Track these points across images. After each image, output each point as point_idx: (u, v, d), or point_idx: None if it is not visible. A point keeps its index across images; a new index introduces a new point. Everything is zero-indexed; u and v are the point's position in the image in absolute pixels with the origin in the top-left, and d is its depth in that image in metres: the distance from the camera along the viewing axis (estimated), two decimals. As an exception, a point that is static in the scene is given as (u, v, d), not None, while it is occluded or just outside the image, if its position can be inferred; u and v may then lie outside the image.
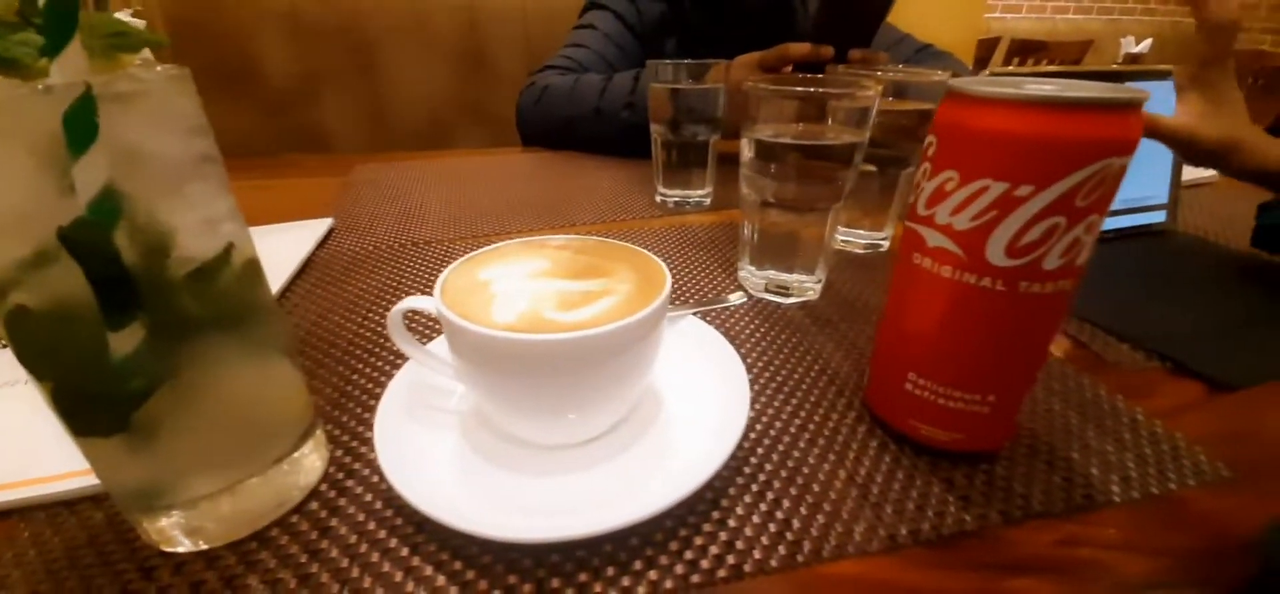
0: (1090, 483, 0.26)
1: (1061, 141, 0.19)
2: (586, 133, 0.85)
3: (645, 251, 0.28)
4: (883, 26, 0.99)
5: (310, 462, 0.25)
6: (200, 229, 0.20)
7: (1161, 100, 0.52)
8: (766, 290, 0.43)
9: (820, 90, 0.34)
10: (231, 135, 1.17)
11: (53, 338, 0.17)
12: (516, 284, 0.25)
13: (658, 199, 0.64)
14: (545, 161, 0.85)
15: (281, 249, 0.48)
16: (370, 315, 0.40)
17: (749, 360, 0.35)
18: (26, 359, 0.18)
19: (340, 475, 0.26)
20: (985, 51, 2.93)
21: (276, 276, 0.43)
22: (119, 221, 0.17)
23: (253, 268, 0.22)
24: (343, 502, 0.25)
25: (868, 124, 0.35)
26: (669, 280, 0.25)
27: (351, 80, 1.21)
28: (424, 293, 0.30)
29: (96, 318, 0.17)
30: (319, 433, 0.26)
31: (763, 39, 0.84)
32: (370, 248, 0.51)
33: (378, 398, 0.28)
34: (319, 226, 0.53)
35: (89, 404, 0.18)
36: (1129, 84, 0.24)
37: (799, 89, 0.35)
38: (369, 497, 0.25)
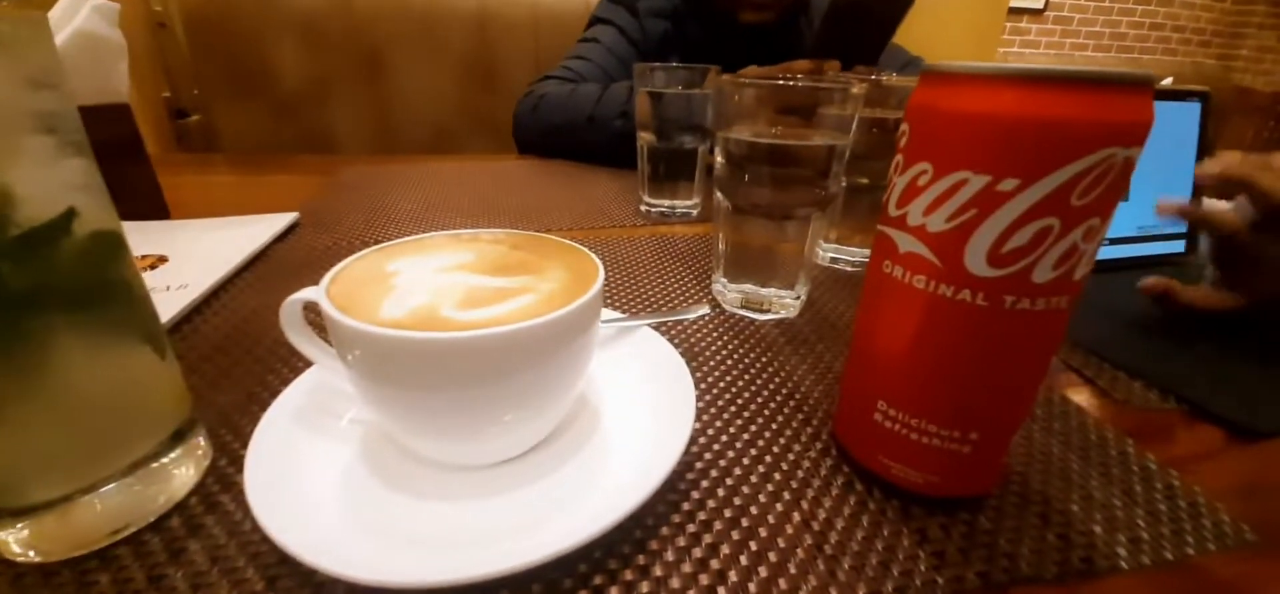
0: (1092, 543, 0.22)
1: (1054, 125, 0.16)
2: (580, 141, 0.83)
3: (585, 250, 0.25)
4: (891, 49, 0.97)
5: (179, 471, 0.22)
6: (35, 191, 0.17)
7: (1181, 120, 0.48)
8: (743, 306, 0.39)
9: (797, 83, 0.31)
10: (243, 134, 1.19)
11: None
12: (423, 277, 0.21)
13: (642, 208, 0.61)
14: (536, 169, 0.83)
15: (234, 240, 0.45)
16: (308, 313, 0.37)
17: (710, 381, 0.31)
18: None
19: (216, 488, 0.23)
20: (1000, 84, 2.90)
21: (219, 267, 0.40)
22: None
23: (107, 241, 0.19)
24: (209, 520, 0.21)
25: (850, 127, 0.32)
26: (599, 280, 0.22)
27: (360, 86, 1.21)
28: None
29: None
30: (197, 439, 0.23)
31: (766, 58, 0.81)
32: (328, 244, 0.48)
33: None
34: (280, 220, 0.50)
35: None
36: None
37: (774, 82, 0.31)
38: (240, 516, 0.21)
